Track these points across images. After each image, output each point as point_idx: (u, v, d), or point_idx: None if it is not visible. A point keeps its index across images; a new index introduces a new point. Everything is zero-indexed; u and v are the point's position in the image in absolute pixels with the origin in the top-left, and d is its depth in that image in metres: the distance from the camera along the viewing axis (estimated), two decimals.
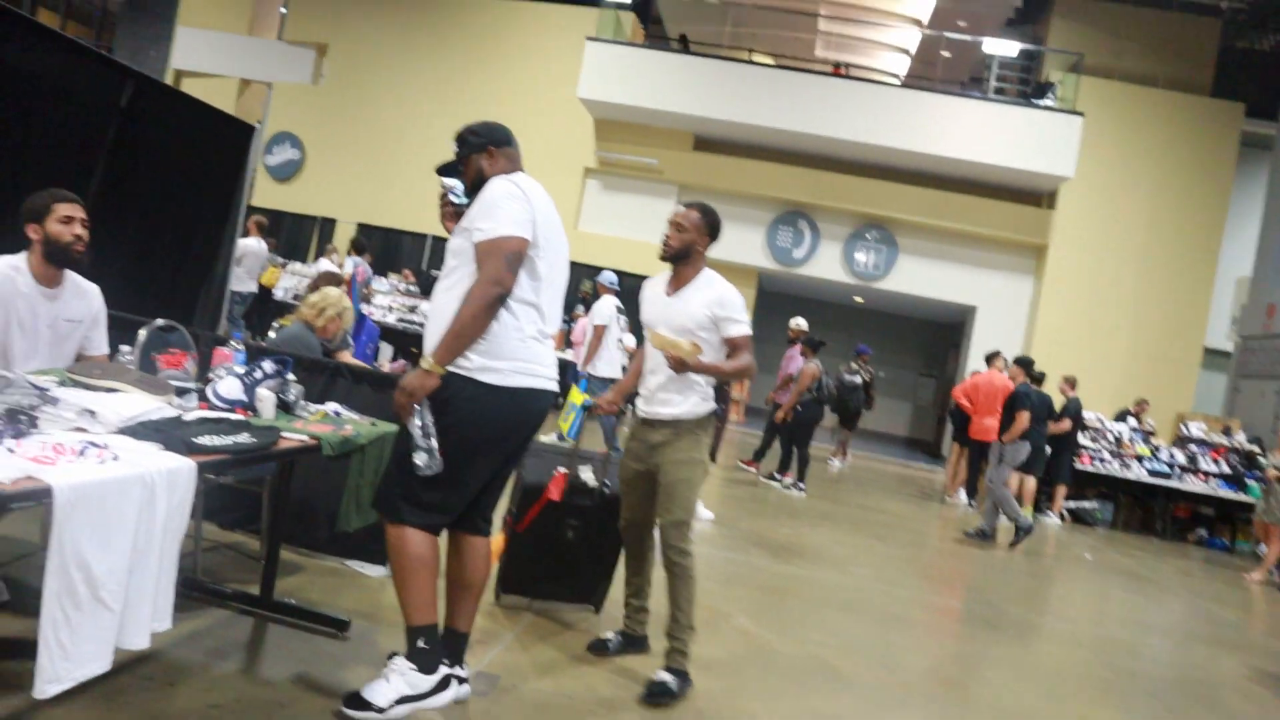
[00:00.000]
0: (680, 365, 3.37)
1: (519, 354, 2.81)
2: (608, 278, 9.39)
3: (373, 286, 12.93)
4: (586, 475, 4.06)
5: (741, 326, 3.50)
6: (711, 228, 3.61)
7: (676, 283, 3.60)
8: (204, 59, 17.86)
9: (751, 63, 15.61)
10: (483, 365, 2.75)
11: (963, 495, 11.21)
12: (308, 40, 17.47)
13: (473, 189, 2.98)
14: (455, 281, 2.83)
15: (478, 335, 2.73)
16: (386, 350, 11.87)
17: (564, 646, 3.79)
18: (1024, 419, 8.40)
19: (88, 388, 2.52)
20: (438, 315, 2.84)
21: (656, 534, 3.65)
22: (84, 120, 5.50)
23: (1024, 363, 8.91)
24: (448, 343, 2.70)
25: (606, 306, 8.93)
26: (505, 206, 2.78)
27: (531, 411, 2.90)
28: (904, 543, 8.18)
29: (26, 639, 1.84)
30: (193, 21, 17.95)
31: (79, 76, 5.55)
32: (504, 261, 2.73)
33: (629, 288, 14.63)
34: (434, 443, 2.70)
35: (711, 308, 3.47)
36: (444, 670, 2.85)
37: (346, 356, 4.88)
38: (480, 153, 2.99)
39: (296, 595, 3.76)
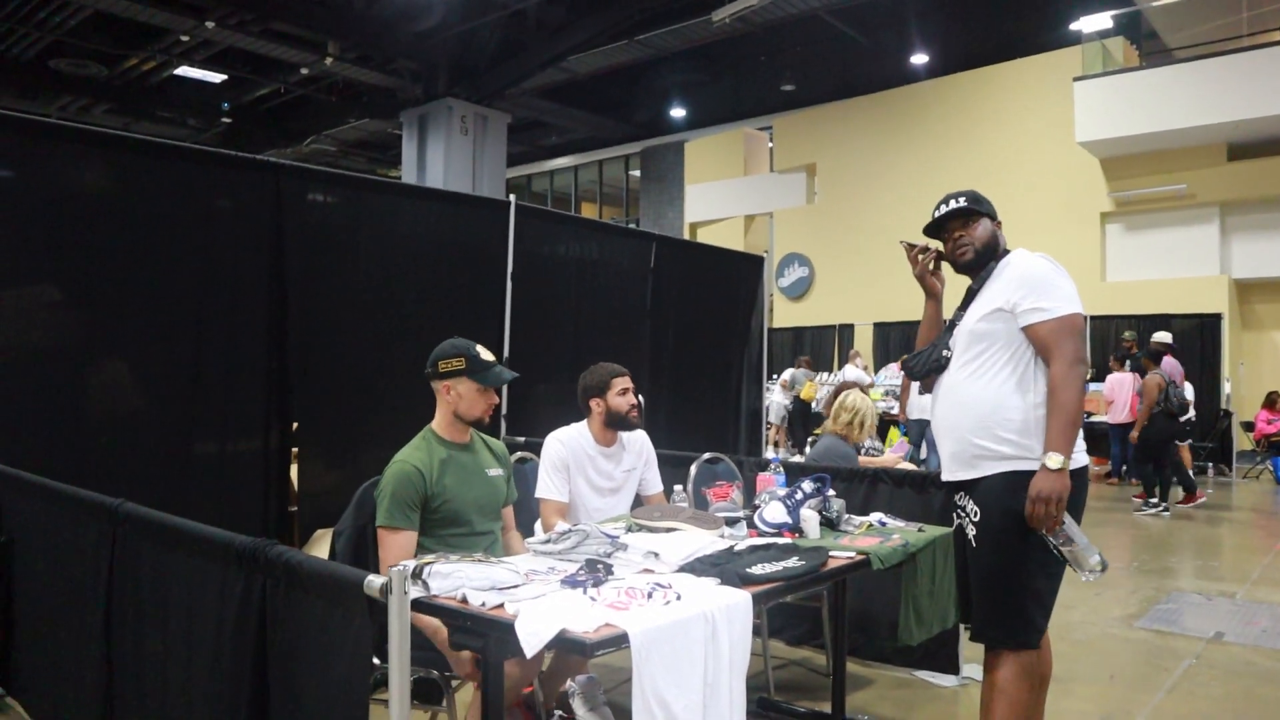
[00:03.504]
0: None
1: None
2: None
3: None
4: None
5: None
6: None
7: None
8: (711, 207, 19.81)
9: None
10: None
11: None
12: (797, 165, 18.51)
13: (980, 254, 2.85)
14: (983, 366, 2.73)
15: (1081, 419, 2.62)
16: None
17: None
18: None
19: (650, 530, 2.77)
20: (963, 402, 2.77)
21: None
22: (625, 285, 6.33)
23: None
24: (1065, 434, 2.58)
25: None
26: (1059, 283, 2.69)
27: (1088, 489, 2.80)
28: None
29: None
30: (697, 179, 20.11)
31: (617, 250, 6.43)
32: (1080, 339, 2.65)
33: (1178, 330, 13.00)
34: (1087, 540, 2.61)
35: None
36: None
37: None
38: (994, 220, 2.90)
39: (869, 711, 3.70)
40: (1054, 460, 2.54)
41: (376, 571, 2.78)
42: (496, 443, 3.19)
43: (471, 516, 2.90)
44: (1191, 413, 11.56)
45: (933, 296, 3.04)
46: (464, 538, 2.85)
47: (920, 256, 3.02)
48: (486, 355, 2.96)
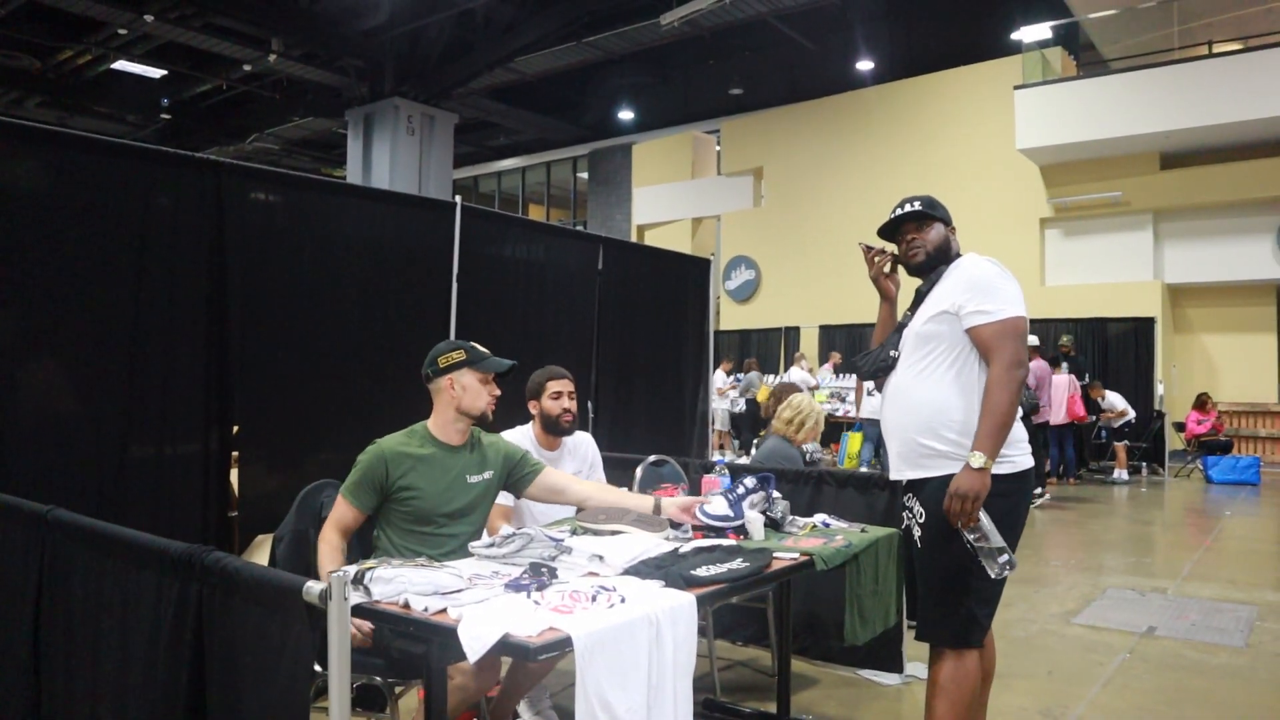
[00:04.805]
0: None
1: (1019, 434, 2.76)
2: None
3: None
4: None
5: None
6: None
7: None
8: (659, 209, 19.85)
9: (1213, 55, 13.67)
10: (1003, 455, 2.69)
11: None
12: (744, 169, 18.62)
13: (931, 257, 2.91)
14: (928, 367, 2.78)
15: (1013, 422, 2.66)
16: None
17: None
18: None
19: (594, 533, 2.77)
20: (909, 403, 2.81)
21: None
22: (572, 287, 6.30)
23: None
24: (993, 435, 2.63)
25: None
26: (1003, 287, 2.75)
27: (1032, 489, 2.84)
28: None
29: None
30: (645, 181, 20.14)
31: (564, 252, 6.40)
32: (1021, 342, 2.70)
33: (1114, 334, 13.35)
34: (1000, 539, 2.63)
35: None
36: None
37: None
38: (948, 225, 2.95)
39: (814, 710, 3.73)
40: (976, 459, 2.60)
41: (315, 564, 2.76)
42: (497, 446, 3.13)
43: (438, 518, 2.89)
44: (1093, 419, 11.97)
45: (887, 299, 3.12)
46: (428, 536, 2.86)
47: (877, 259, 3.09)
48: (482, 348, 3.04)
